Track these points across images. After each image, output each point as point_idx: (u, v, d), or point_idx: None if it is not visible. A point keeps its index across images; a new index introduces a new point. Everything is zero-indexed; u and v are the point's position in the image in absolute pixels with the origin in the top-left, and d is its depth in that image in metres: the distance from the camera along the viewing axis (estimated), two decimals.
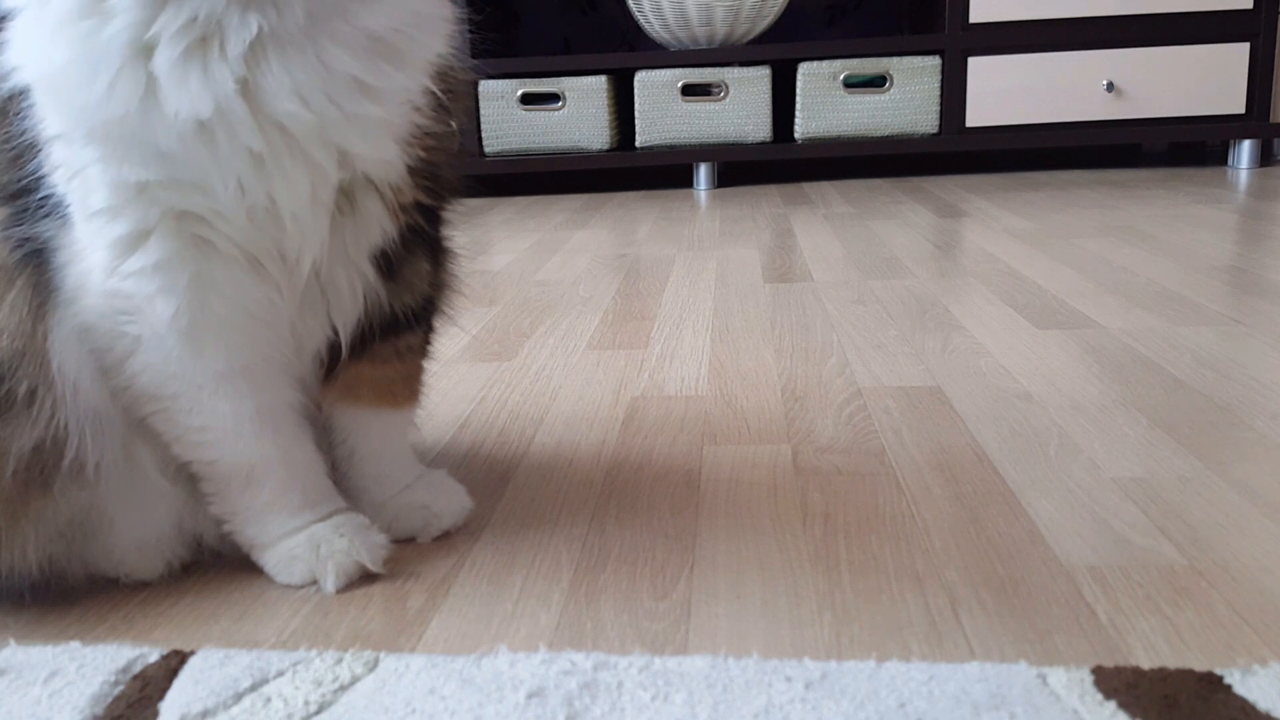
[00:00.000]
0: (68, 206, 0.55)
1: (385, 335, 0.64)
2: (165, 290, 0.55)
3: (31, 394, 0.55)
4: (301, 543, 0.61)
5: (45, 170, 0.55)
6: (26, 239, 0.56)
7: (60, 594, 0.60)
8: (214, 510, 0.62)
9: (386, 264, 0.62)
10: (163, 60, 0.50)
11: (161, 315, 0.55)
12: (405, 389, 0.67)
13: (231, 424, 0.59)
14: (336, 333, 0.62)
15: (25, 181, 0.55)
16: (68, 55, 0.51)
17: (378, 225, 0.60)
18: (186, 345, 0.56)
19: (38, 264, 0.56)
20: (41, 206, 0.55)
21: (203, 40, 0.51)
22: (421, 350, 0.68)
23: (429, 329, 0.68)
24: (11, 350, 0.55)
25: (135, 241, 0.55)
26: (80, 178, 0.54)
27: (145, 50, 0.51)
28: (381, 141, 0.56)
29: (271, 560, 0.62)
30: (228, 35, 0.51)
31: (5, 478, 0.55)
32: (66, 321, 0.56)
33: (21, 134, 0.54)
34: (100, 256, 0.55)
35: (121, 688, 0.51)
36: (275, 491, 0.61)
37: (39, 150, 0.54)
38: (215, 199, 0.54)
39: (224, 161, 0.53)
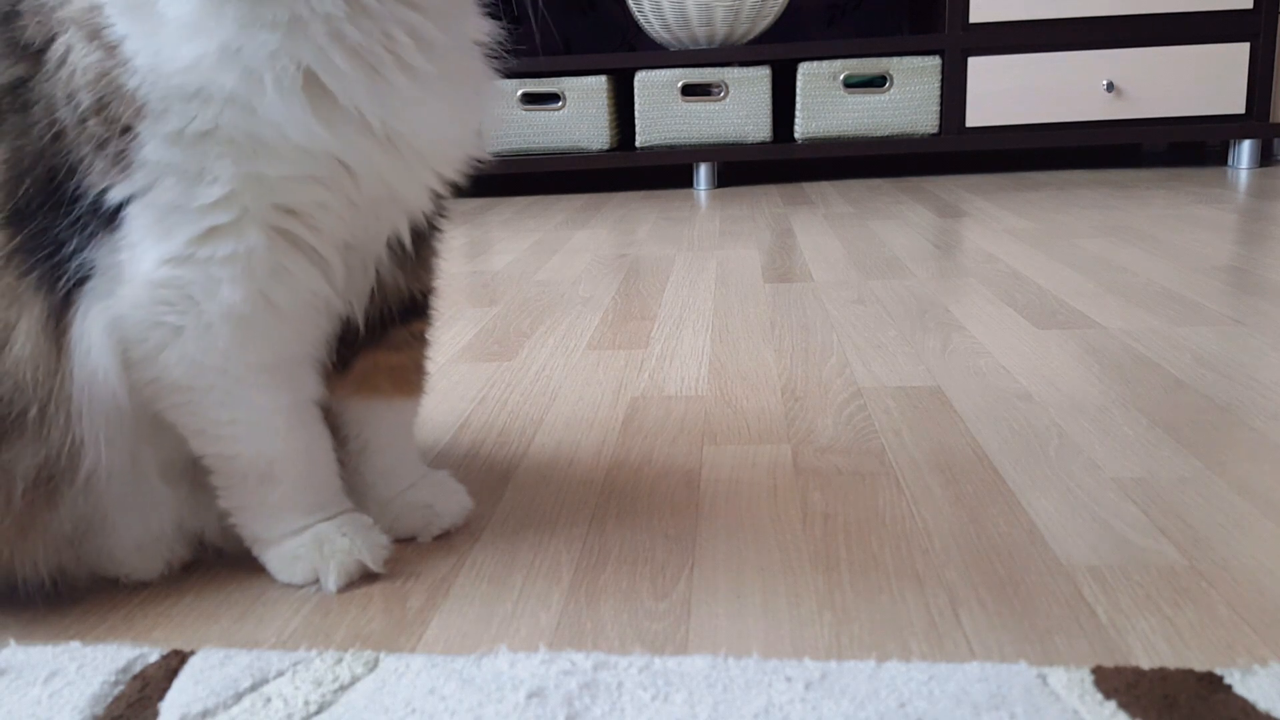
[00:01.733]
0: (119, 209, 0.53)
1: (404, 319, 0.66)
2: (234, 280, 0.54)
3: (42, 416, 0.54)
4: (305, 542, 0.61)
5: (110, 177, 0.52)
6: (44, 257, 0.53)
7: (60, 594, 0.60)
8: (222, 503, 0.61)
9: (407, 246, 0.64)
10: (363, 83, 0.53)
11: (224, 302, 0.54)
12: (417, 375, 0.69)
13: (264, 417, 0.58)
14: (350, 318, 0.63)
15: (57, 196, 0.53)
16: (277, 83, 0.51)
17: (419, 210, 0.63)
18: (236, 336, 0.55)
19: (53, 280, 0.54)
20: (79, 220, 0.53)
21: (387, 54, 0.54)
22: (425, 338, 0.70)
23: (428, 316, 0.70)
24: (29, 379, 0.54)
25: (220, 231, 0.53)
26: (185, 177, 0.52)
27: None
28: (481, 143, 0.61)
29: (274, 558, 0.62)
30: (407, 55, 0.54)
31: (16, 498, 0.55)
32: (87, 335, 0.54)
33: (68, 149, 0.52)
34: (163, 247, 0.53)
35: (121, 688, 0.51)
36: (291, 489, 0.61)
37: (94, 160, 0.52)
38: (335, 191, 0.55)
39: (370, 158, 0.55)
